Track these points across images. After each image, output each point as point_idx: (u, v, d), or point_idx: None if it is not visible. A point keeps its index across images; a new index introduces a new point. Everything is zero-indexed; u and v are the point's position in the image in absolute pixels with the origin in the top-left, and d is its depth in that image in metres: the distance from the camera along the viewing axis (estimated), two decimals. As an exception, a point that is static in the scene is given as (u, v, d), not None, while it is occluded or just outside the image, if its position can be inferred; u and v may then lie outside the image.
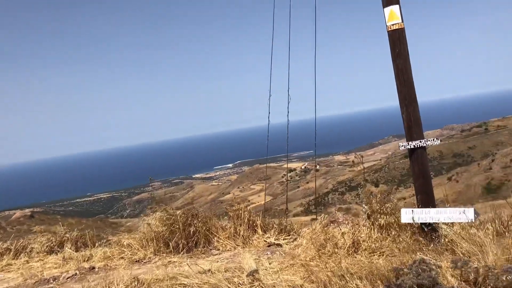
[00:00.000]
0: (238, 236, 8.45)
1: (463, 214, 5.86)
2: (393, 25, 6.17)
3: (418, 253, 5.44)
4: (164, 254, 8.11)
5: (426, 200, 6.27)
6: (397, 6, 6.22)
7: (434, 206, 6.31)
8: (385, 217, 6.59)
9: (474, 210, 5.94)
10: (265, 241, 8.36)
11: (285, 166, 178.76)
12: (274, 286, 5.21)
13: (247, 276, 5.45)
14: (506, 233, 5.40)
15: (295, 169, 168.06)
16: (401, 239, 6.02)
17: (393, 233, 6.30)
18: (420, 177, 6.30)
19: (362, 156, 8.63)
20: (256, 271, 5.51)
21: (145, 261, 7.96)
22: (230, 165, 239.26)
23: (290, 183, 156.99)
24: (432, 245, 5.62)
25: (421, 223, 6.14)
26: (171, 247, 8.23)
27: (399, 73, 6.20)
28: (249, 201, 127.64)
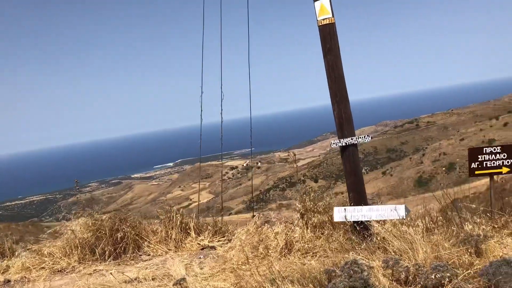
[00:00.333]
0: (170, 240, 8.06)
1: (394, 211, 5.85)
2: (323, 19, 6.04)
3: (351, 253, 5.34)
4: (90, 262, 7.58)
5: (358, 198, 6.22)
6: (328, 0, 6.09)
7: (366, 203, 6.27)
8: (318, 216, 6.48)
9: (405, 206, 5.95)
10: (198, 244, 8.04)
11: (228, 163, 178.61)
12: (202, 295, 4.92)
13: (173, 285, 5.11)
14: (435, 229, 5.44)
15: (237, 167, 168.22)
16: (334, 238, 5.92)
17: (326, 232, 6.20)
18: (352, 174, 6.24)
19: (295, 154, 8.52)
20: (184, 279, 5.18)
21: (68, 270, 7.39)
22: (171, 163, 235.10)
23: (232, 180, 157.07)
24: (364, 244, 5.55)
25: (353, 222, 6.08)
26: (97, 254, 7.70)
27: (330, 69, 6.09)
28: (191, 199, 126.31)
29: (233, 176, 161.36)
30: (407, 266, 4.55)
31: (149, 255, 7.83)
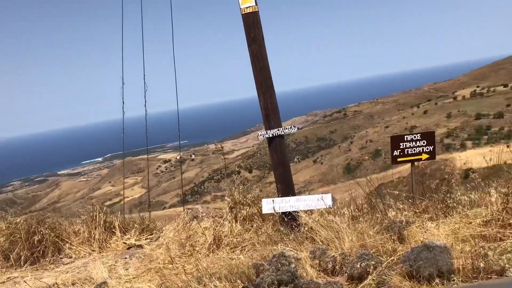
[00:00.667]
0: (93, 241, 7.63)
1: (321, 201, 5.87)
2: (247, 8, 5.89)
3: (280, 245, 5.28)
4: (4, 269, 7.00)
5: (286, 189, 6.19)
6: (251, -12, 5.95)
7: (294, 194, 6.25)
8: (247, 208, 6.38)
9: (331, 196, 6.00)
10: (124, 243, 7.68)
11: (161, 157, 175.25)
12: (124, 299, 4.64)
13: (93, 290, 4.78)
14: (361, 217, 5.51)
15: (170, 160, 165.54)
16: (263, 231, 5.84)
17: (255, 225, 6.11)
18: (280, 166, 6.18)
19: (222, 146, 8.37)
20: (105, 283, 4.86)
21: (-23, 280, 6.75)
22: (100, 158, 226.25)
23: (166, 173, 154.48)
24: (292, 235, 5.52)
25: (282, 213, 6.04)
26: (12, 260, 7.12)
27: (255, 59, 5.96)
28: (123, 195, 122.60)
29: (166, 169, 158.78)
30: (333, 255, 4.56)
31: (70, 257, 7.36)
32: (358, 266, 4.14)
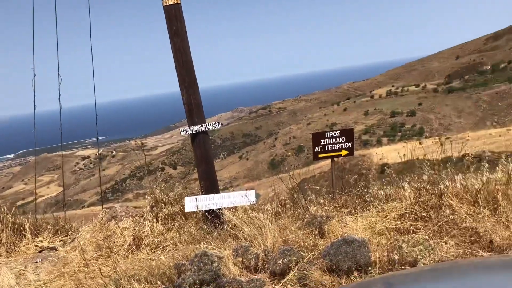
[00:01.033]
0: (0, 245, 7.02)
1: (245, 197, 5.85)
2: (168, 0, 5.69)
3: (202, 243, 5.18)
4: None
5: (210, 186, 6.09)
6: (173, -21, 5.75)
7: (218, 191, 6.18)
8: (169, 207, 6.20)
9: (255, 192, 6.00)
10: (36, 245, 7.15)
11: (79, 153, 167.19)
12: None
13: (-3, 300, 4.38)
14: (283, 213, 5.56)
15: (89, 156, 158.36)
16: (185, 230, 5.71)
17: (177, 224, 5.95)
18: (203, 162, 6.07)
19: (143, 143, 8.07)
20: (11, 291, 4.48)
21: None
22: (11, 155, 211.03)
23: (84, 171, 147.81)
24: (216, 233, 5.44)
25: (205, 211, 5.94)
26: None
27: (177, 53, 5.78)
28: (36, 194, 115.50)
29: (85, 166, 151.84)
30: (256, 252, 4.55)
31: (-27, 264, 6.72)
32: (280, 262, 4.16)
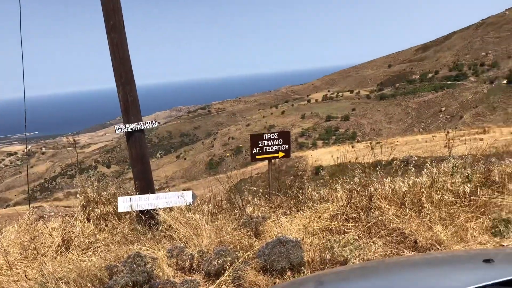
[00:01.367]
0: None
1: (182, 198, 5.78)
2: (106, -7, 5.50)
3: (136, 244, 5.06)
4: None
5: (145, 186, 5.96)
6: (110, -29, 5.56)
7: (153, 191, 6.06)
8: (102, 207, 5.99)
9: (192, 192, 5.95)
10: (-47, 248, 6.63)
11: (5, 149, 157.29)
12: None
13: None
14: (220, 214, 5.56)
15: (16, 153, 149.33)
16: (118, 230, 5.54)
17: (110, 224, 5.77)
18: (138, 162, 5.92)
19: (75, 140, 7.75)
20: None
21: None
22: None
23: (10, 168, 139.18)
24: (150, 234, 5.34)
25: (139, 211, 5.80)
26: None
27: (115, 48, 5.60)
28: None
29: (11, 163, 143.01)
30: (191, 253, 4.52)
31: None
32: (215, 262, 4.16)
